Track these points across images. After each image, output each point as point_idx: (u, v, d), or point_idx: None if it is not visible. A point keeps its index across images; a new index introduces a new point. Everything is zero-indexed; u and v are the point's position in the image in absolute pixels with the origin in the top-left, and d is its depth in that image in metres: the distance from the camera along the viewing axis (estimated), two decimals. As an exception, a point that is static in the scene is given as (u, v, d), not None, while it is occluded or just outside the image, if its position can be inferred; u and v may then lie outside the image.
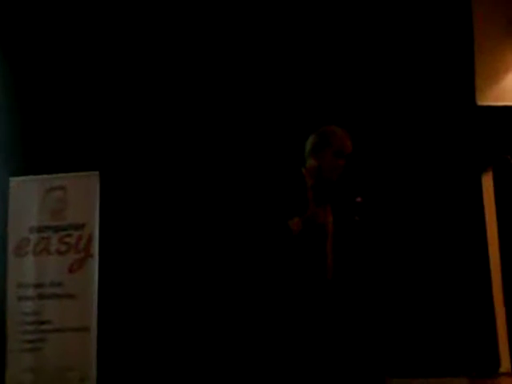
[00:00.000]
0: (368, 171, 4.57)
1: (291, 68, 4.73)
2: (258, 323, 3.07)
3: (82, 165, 4.79)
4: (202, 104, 4.74)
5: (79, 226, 4.71)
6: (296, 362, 2.71)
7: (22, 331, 4.56)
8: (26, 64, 4.88)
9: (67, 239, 4.70)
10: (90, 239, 4.68)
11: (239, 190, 4.41)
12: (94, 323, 4.52)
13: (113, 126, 4.85)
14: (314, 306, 2.73)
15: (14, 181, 4.81)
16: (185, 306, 4.54)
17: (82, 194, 4.74)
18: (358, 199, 3.33)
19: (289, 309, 2.75)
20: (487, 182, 4.81)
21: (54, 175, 4.79)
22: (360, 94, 4.75)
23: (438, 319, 4.46)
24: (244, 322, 4.05)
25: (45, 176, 4.79)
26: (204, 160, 4.70)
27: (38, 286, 4.64)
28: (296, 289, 2.72)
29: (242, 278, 3.99)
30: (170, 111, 4.78)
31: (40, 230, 4.71)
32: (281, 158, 4.21)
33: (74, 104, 4.86)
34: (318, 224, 2.80)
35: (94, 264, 4.64)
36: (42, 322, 4.57)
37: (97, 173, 4.77)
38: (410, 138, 4.74)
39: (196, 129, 4.74)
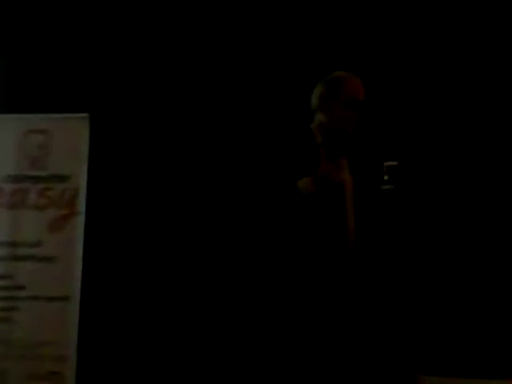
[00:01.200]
0: (401, 127, 4.04)
1: (296, 15, 4.22)
2: (266, 307, 2.78)
3: (69, 105, 4.31)
4: (201, 57, 4.29)
5: (63, 178, 4.25)
6: (308, 354, 2.45)
7: None
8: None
9: (48, 192, 4.24)
10: (75, 194, 4.21)
11: (243, 151, 4.07)
12: (75, 292, 4.08)
13: (108, 60, 4.35)
14: (333, 282, 2.44)
15: None
16: (181, 275, 4.12)
17: (67, 140, 4.27)
18: (390, 163, 2.94)
19: (302, 288, 2.49)
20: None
21: (36, 115, 4.29)
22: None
23: (481, 314, 3.83)
24: (249, 303, 3.80)
25: (24, 115, 4.29)
26: (207, 115, 4.24)
27: (11, 244, 4.18)
28: (312, 261, 2.46)
29: (247, 250, 3.79)
30: (168, 54, 4.32)
31: (16, 179, 4.25)
32: (288, 114, 3.92)
33: (62, 34, 4.40)
34: (332, 183, 2.56)
35: (80, 223, 4.18)
36: (15, 288, 4.13)
37: (86, 115, 4.26)
38: (461, 99, 4.09)
39: (197, 81, 4.27)
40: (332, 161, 2.66)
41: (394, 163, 3.19)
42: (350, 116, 2.64)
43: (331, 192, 2.60)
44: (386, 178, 3.19)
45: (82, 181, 4.20)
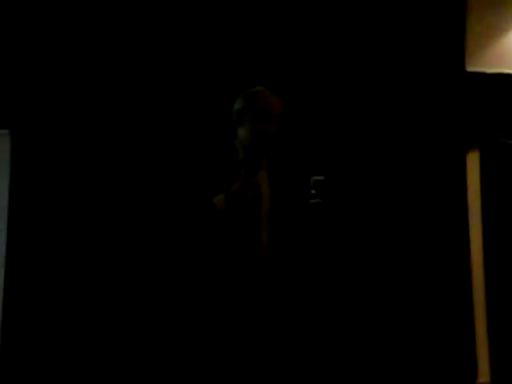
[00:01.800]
0: (327, 140, 4.05)
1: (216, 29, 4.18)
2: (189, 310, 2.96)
3: None
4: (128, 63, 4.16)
5: None
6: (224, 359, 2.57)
7: None
8: None
9: None
10: None
11: (167, 165, 4.00)
12: None
13: (31, 67, 4.11)
14: (246, 289, 2.54)
15: None
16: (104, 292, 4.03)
17: None
18: (318, 177, 3.10)
19: (220, 294, 2.59)
20: (472, 162, 4.20)
21: None
22: (333, 48, 4.16)
23: (410, 323, 3.80)
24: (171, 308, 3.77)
25: None
26: (130, 127, 4.12)
27: None
28: (227, 270, 2.55)
29: (167, 255, 3.80)
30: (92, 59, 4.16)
31: None
32: (212, 129, 3.85)
33: None
34: (245, 199, 2.59)
35: (2, 239, 4.05)
36: None
37: (7, 131, 4.10)
38: (384, 104, 4.14)
39: (122, 88, 4.15)
40: (251, 176, 2.64)
41: (321, 177, 3.23)
42: (265, 130, 2.65)
43: (243, 208, 2.56)
44: (313, 191, 3.23)
45: (3, 199, 4.05)
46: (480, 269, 4.12)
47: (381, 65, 4.16)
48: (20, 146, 4.08)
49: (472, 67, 4.22)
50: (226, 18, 4.15)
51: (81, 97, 4.11)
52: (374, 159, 4.06)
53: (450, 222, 4.07)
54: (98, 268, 4.00)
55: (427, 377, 3.91)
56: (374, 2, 4.19)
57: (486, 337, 4.04)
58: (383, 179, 4.05)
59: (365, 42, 4.16)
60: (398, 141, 4.11)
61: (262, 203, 2.66)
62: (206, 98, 4.05)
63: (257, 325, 2.55)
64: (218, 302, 2.61)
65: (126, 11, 4.16)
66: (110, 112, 4.10)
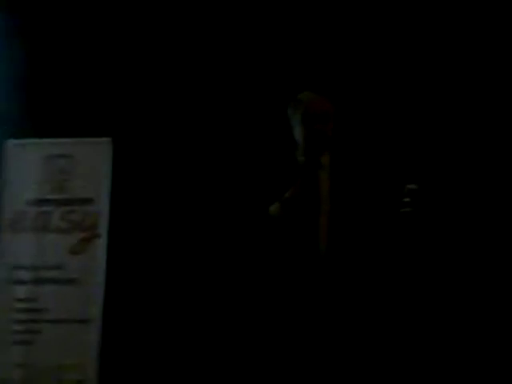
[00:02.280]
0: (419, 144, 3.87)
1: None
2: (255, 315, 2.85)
3: (91, 130, 4.22)
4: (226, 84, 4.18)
5: (86, 201, 4.19)
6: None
7: (12, 320, 4.05)
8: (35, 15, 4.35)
9: (71, 215, 4.17)
10: (97, 216, 4.15)
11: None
12: (97, 314, 4.01)
13: (130, 83, 4.23)
14: (304, 294, 2.51)
15: (11, 144, 4.23)
16: (200, 299, 4.02)
17: (90, 164, 4.20)
18: (412, 186, 3.03)
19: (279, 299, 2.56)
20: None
21: (59, 140, 4.22)
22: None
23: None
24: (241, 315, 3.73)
25: (48, 140, 4.22)
26: (233, 138, 4.13)
27: (33, 268, 4.10)
28: (285, 276, 2.52)
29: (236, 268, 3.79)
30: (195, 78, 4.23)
31: (39, 203, 4.18)
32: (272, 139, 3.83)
33: (85, 58, 4.26)
34: (300, 204, 2.56)
35: (102, 245, 4.11)
36: (37, 311, 4.05)
37: (109, 139, 4.21)
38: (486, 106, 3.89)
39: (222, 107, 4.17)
40: (308, 179, 2.60)
41: (415, 186, 3.11)
42: (312, 130, 2.62)
43: (299, 214, 2.55)
44: (406, 200, 3.15)
45: (105, 204, 4.15)
46: None
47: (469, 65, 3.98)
48: (121, 154, 4.19)
49: None
50: (289, 24, 4.10)
51: (178, 106, 4.18)
52: (474, 166, 3.82)
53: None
54: (203, 276, 4.02)
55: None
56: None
57: None
58: (485, 189, 3.78)
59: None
60: (502, 145, 3.84)
61: (321, 207, 2.60)
62: (266, 104, 4.02)
63: (315, 328, 2.52)
64: (277, 307, 2.59)
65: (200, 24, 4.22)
66: (212, 121, 4.15)
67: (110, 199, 4.13)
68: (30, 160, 4.20)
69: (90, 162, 4.21)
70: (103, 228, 4.14)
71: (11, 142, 4.20)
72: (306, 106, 2.64)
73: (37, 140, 4.22)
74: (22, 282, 4.09)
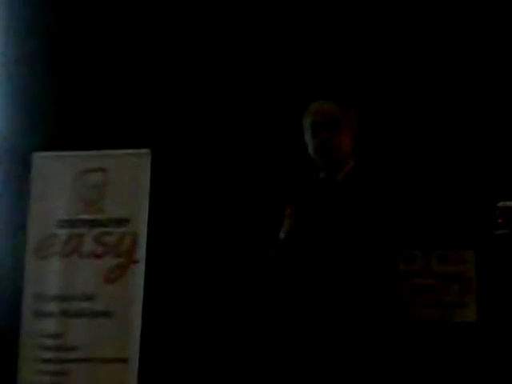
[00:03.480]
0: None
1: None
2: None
3: (128, 141, 4.00)
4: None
5: (122, 222, 3.90)
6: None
7: (38, 359, 3.75)
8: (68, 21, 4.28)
9: (105, 238, 3.88)
10: (135, 239, 3.86)
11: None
12: (134, 353, 3.71)
13: (168, 91, 4.07)
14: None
15: (38, 156, 3.97)
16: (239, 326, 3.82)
17: (127, 179, 3.95)
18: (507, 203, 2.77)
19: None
20: None
21: (92, 152, 3.97)
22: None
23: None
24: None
25: (79, 153, 3.98)
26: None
27: (62, 299, 3.81)
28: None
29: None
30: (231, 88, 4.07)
31: (70, 224, 3.91)
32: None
33: (117, 65, 4.14)
34: (290, 245, 2.53)
35: (139, 272, 3.81)
36: (66, 349, 3.75)
37: (147, 151, 3.93)
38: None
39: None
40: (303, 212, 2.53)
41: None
42: (317, 142, 2.58)
43: (290, 253, 2.53)
44: (500, 221, 2.87)
45: (143, 225, 3.86)
46: None
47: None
48: (160, 166, 3.92)
49: None
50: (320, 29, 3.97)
51: (213, 119, 3.99)
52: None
53: None
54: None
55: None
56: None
57: None
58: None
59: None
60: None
61: (319, 241, 2.48)
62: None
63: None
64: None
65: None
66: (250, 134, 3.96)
67: (149, 219, 3.88)
68: (60, 175, 3.95)
69: (127, 176, 3.94)
70: (141, 252, 3.84)
71: (38, 155, 3.97)
72: (313, 114, 2.62)
73: (67, 152, 3.99)
74: (49, 315, 3.80)
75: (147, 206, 3.86)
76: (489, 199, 3.16)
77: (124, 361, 3.69)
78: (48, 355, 3.71)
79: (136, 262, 3.82)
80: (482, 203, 3.37)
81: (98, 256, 3.84)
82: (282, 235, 2.55)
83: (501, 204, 2.85)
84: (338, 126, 2.58)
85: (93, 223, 3.89)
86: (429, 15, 3.94)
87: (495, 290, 3.58)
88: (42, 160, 3.93)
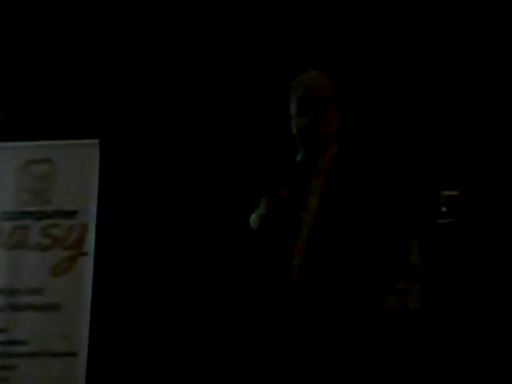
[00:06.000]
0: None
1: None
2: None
3: (75, 131, 3.95)
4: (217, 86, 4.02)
5: (70, 214, 3.86)
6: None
7: None
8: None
9: (53, 230, 3.83)
10: (83, 231, 3.83)
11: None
12: (83, 346, 3.67)
13: (117, 81, 4.04)
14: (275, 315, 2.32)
15: None
16: (190, 319, 3.80)
17: (74, 170, 3.92)
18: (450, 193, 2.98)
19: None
20: None
21: (38, 142, 3.91)
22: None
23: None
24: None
25: (24, 143, 3.92)
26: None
27: (9, 292, 3.75)
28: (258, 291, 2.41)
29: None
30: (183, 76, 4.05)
31: (16, 216, 3.86)
32: None
33: (66, 52, 4.13)
34: (272, 220, 2.35)
35: (88, 265, 3.78)
36: (14, 343, 3.70)
37: (96, 141, 3.88)
38: None
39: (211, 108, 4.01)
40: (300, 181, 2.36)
41: (455, 193, 2.97)
42: (300, 122, 2.37)
43: (273, 229, 2.35)
44: (444, 209, 3.04)
45: (91, 216, 3.82)
46: None
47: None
48: (109, 157, 3.89)
49: None
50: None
51: (165, 108, 3.96)
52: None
53: None
54: (199, 302, 3.77)
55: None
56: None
57: None
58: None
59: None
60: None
61: (304, 219, 2.31)
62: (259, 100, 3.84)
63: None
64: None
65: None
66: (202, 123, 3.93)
67: (98, 211, 3.83)
68: (5, 166, 3.89)
69: (75, 167, 3.90)
70: (90, 245, 3.80)
71: (-18, 146, 3.87)
72: (303, 87, 2.37)
73: (12, 143, 3.92)
74: (-5, 309, 3.74)
75: (96, 198, 3.81)
76: (432, 188, 3.25)
77: (73, 355, 3.65)
78: (-6, 350, 3.69)
79: (85, 254, 3.78)
80: (426, 192, 3.38)
81: (44, 248, 3.79)
82: (253, 225, 2.41)
83: (445, 193, 2.93)
84: (327, 108, 2.37)
85: (39, 215, 3.84)
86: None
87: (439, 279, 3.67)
88: (-14, 151, 3.87)
